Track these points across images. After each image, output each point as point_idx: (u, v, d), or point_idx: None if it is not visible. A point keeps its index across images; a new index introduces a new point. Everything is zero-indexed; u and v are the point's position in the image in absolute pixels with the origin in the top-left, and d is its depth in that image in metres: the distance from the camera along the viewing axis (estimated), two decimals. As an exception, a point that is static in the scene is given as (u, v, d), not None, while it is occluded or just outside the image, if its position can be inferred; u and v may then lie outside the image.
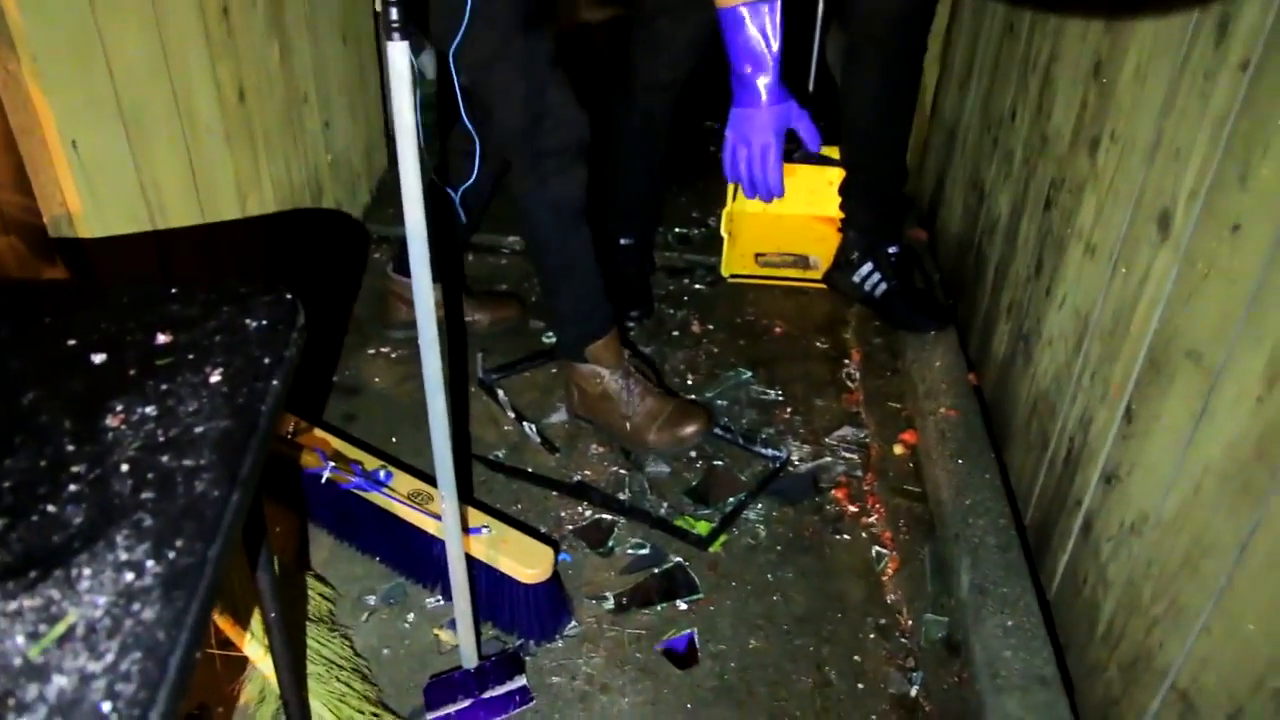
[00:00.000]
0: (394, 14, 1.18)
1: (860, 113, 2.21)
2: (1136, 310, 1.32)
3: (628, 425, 1.99)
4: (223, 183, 1.93)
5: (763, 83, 1.40)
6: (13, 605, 0.61)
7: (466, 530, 1.57)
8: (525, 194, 1.83)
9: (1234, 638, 1.04)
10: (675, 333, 2.38)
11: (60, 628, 0.60)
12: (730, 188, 2.47)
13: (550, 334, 2.35)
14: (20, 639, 0.59)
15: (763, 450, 2.04)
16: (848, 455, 2.05)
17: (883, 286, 2.29)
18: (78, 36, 1.47)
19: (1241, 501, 1.04)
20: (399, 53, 1.17)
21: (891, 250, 2.28)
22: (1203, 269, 1.15)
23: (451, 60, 1.67)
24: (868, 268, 2.30)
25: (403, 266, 2.21)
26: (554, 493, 1.94)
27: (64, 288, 1.07)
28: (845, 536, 1.88)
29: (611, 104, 2.24)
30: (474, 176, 1.97)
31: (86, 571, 0.63)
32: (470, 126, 1.82)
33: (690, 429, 1.99)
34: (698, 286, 2.55)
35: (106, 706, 0.55)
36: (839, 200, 2.37)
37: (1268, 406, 1.00)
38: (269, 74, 2.08)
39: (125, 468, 0.71)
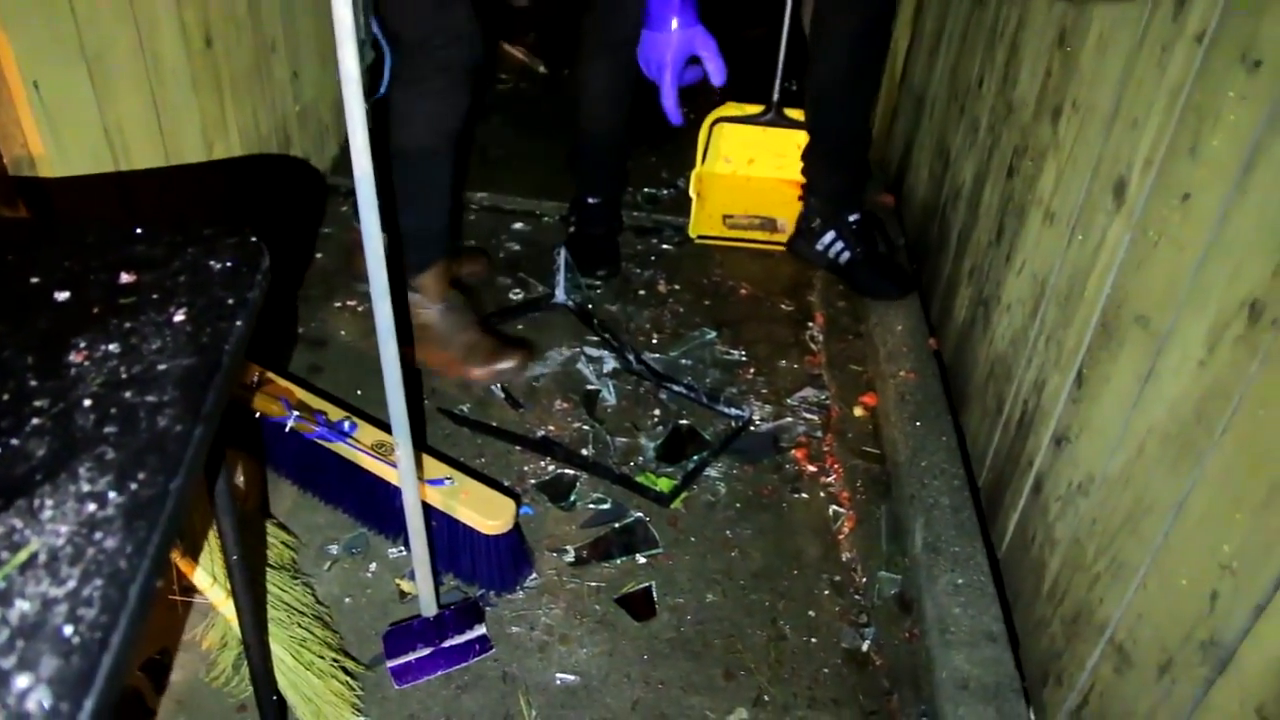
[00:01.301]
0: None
1: (826, 79, 2.22)
2: (1091, 276, 1.35)
3: (445, 355, 2.04)
4: (188, 129, 1.91)
5: (671, 6, 1.44)
6: (-25, 533, 0.62)
7: (428, 481, 1.59)
8: (404, 103, 1.81)
9: (1168, 593, 1.08)
10: (641, 292, 2.40)
11: (22, 555, 0.61)
12: (699, 148, 2.48)
13: (518, 290, 2.36)
14: (-17, 565, 0.60)
15: (725, 409, 2.06)
16: (808, 416, 2.08)
17: (846, 254, 2.31)
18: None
19: (1181, 461, 1.07)
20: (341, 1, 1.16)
21: (853, 218, 2.30)
22: (1153, 236, 1.18)
23: None
24: (830, 235, 2.32)
25: None
26: (517, 447, 1.96)
27: (27, 225, 1.07)
28: (803, 495, 1.91)
29: (577, 62, 2.24)
30: (382, 89, 1.91)
31: (49, 502, 0.64)
32: (381, 37, 1.78)
33: (508, 364, 2.05)
34: (665, 247, 2.56)
35: (69, 630, 0.57)
36: (801, 166, 2.39)
37: (1208, 370, 1.03)
38: (236, 21, 2.06)
39: (88, 403, 0.72)
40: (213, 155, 2.00)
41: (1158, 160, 1.19)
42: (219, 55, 1.99)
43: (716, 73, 1.49)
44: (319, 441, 1.67)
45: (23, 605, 0.58)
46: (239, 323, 0.81)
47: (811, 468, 1.96)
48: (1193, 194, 1.10)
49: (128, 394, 0.73)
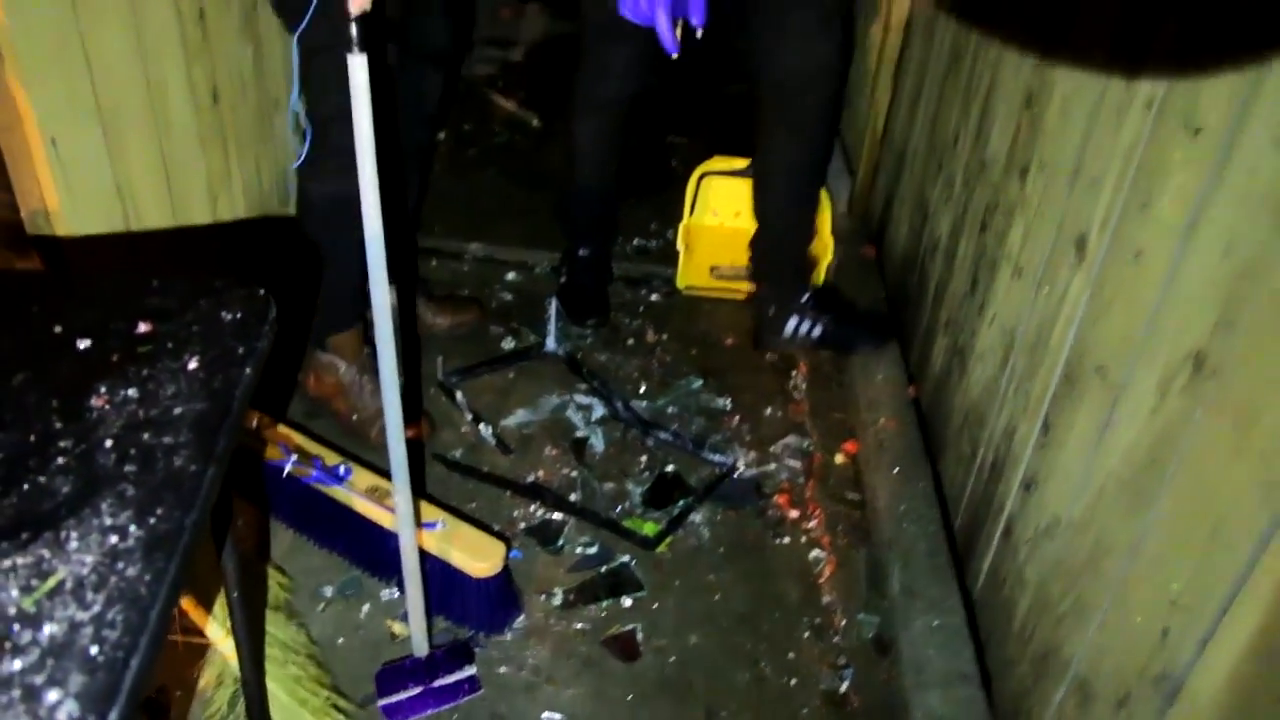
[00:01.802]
0: (354, 29, 1.25)
1: (770, 177, 2.27)
2: (1055, 328, 1.42)
3: (354, 418, 2.08)
4: (194, 182, 1.98)
5: None
6: (7, 563, 0.67)
7: (421, 525, 1.64)
8: (306, 180, 1.87)
9: (1125, 630, 1.13)
10: (630, 341, 2.46)
11: (51, 582, 0.66)
12: (687, 201, 2.56)
13: (510, 339, 2.42)
14: (15, 592, 0.65)
15: (710, 456, 2.12)
16: (791, 463, 2.14)
17: (817, 328, 2.32)
18: (59, 37, 1.53)
19: (1136, 504, 1.13)
20: (359, 66, 1.24)
21: (805, 297, 2.32)
22: (1110, 291, 1.25)
23: (295, 41, 1.67)
24: (793, 320, 2.32)
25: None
26: (508, 492, 2.01)
27: (51, 279, 1.13)
28: (785, 540, 1.96)
29: (567, 118, 2.32)
30: (301, 155, 1.86)
31: (75, 534, 0.70)
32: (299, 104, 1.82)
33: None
34: (654, 297, 2.64)
35: (94, 650, 0.62)
36: (749, 254, 2.43)
37: (1159, 417, 1.09)
38: (243, 78, 2.14)
39: (109, 444, 0.78)
40: (217, 208, 2.07)
41: (1114, 218, 1.27)
42: (225, 111, 2.07)
43: (695, 11, 1.59)
44: (315, 485, 1.72)
45: (52, 627, 0.63)
46: (248, 370, 0.88)
47: (793, 513, 2.02)
48: (1144, 251, 1.17)
49: (146, 436, 0.79)
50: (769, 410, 2.28)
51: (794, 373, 2.40)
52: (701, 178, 2.54)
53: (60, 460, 0.76)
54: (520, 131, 3.45)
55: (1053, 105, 1.53)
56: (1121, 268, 1.23)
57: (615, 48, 2.15)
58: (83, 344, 0.88)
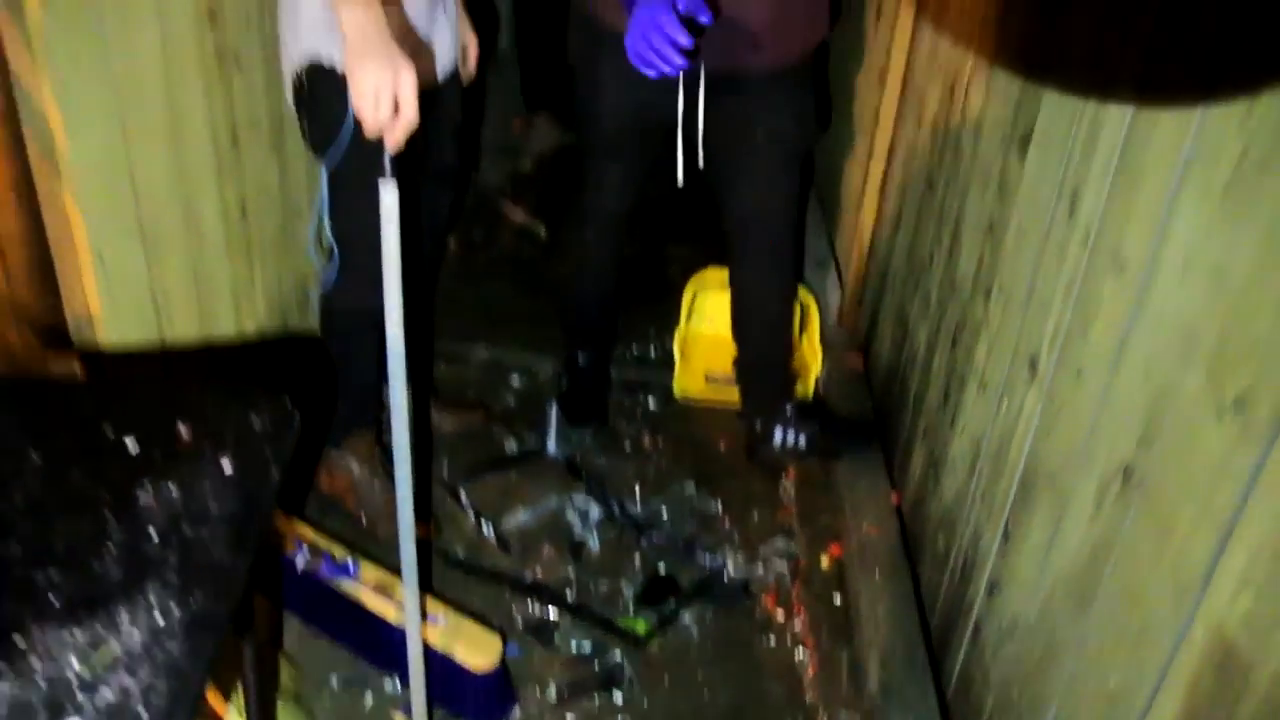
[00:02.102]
0: (388, 159, 1.39)
1: (743, 302, 2.42)
2: (1014, 439, 1.54)
3: (364, 514, 2.19)
4: (220, 289, 2.13)
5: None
6: (68, 635, 0.78)
7: (424, 619, 1.73)
8: (331, 294, 2.01)
9: (1073, 722, 1.22)
10: (628, 446, 2.58)
11: (106, 655, 0.77)
12: (683, 310, 2.70)
13: (512, 441, 2.54)
14: (75, 660, 0.76)
15: (701, 558, 2.22)
16: (779, 565, 2.23)
17: (803, 439, 2.44)
18: (111, 161, 1.69)
19: (1080, 605, 1.23)
20: (389, 191, 1.38)
21: (788, 408, 2.45)
22: (1058, 406, 1.37)
23: (325, 174, 1.81)
24: (778, 432, 2.45)
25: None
26: (507, 590, 2.11)
27: (103, 386, 1.25)
28: (772, 640, 2.05)
29: (569, 229, 2.47)
30: (327, 272, 2.01)
31: (125, 614, 0.81)
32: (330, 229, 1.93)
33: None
34: (651, 403, 2.76)
35: (144, 714, 0.73)
36: (734, 371, 2.56)
37: (1097, 524, 1.20)
38: (268, 193, 2.31)
39: (154, 535, 0.89)
40: (240, 314, 2.22)
41: (1060, 340, 1.39)
42: (251, 224, 2.23)
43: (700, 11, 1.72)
44: (324, 579, 1.82)
45: (106, 693, 0.74)
46: (275, 472, 0.99)
47: (780, 613, 2.10)
48: (1084, 370, 1.30)
49: (186, 529, 0.90)
50: (758, 514, 2.38)
51: (784, 477, 2.50)
52: (697, 288, 2.69)
53: (113, 550, 0.87)
54: (528, 240, 3.62)
55: (1010, 233, 1.68)
56: (1067, 385, 1.35)
57: (612, 165, 2.31)
58: (130, 444, 1.01)
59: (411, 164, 2.05)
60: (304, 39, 1.76)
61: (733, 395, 2.73)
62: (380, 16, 1.45)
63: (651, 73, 1.77)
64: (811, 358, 2.66)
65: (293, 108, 1.87)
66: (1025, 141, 1.62)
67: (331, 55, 1.73)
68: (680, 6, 1.76)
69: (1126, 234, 1.22)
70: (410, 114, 1.42)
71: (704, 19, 1.74)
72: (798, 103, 2.24)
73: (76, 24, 1.57)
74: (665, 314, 3.09)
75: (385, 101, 1.39)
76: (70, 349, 1.68)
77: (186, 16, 1.85)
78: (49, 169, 1.56)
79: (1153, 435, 1.10)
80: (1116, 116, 1.28)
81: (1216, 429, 0.98)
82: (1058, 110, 1.49)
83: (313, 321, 2.57)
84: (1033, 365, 1.49)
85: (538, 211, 3.75)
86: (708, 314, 2.73)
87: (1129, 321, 1.19)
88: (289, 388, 2.48)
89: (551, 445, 2.50)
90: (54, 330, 1.67)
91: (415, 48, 1.85)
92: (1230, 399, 0.96)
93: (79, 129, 1.59)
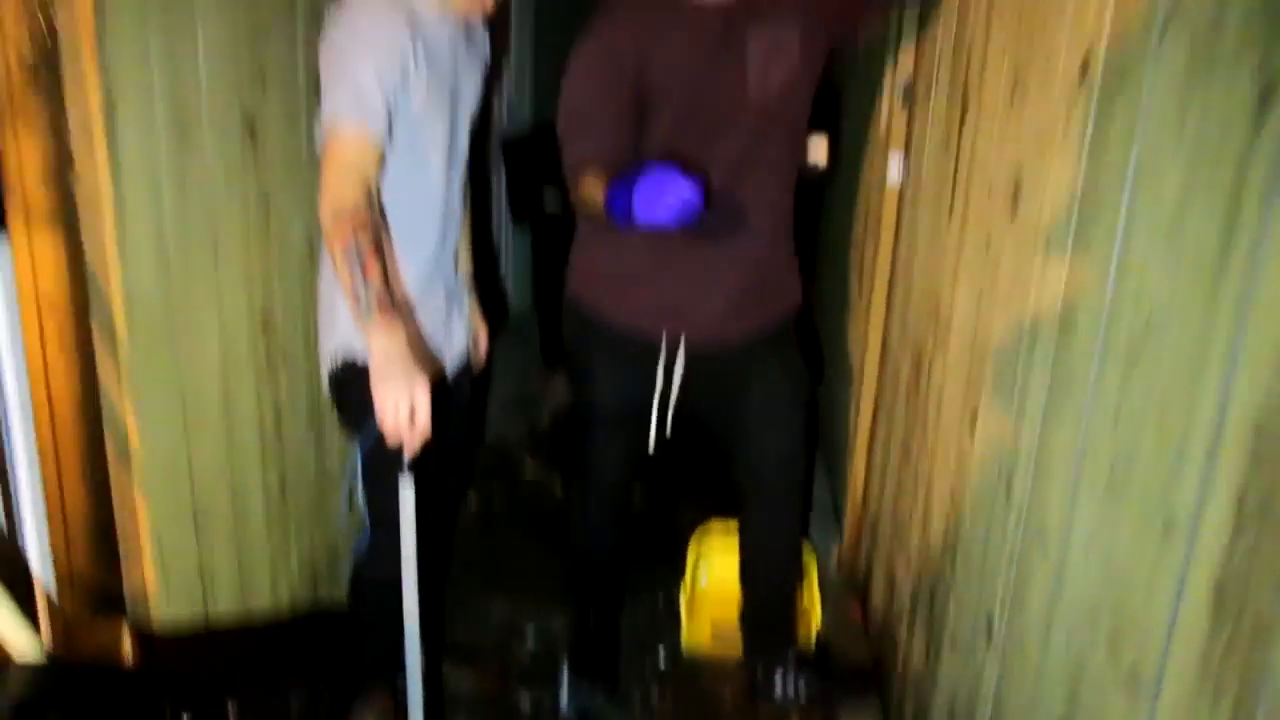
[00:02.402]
0: (405, 458, 1.61)
1: (752, 551, 2.58)
2: (978, 698, 1.68)
3: None
4: (260, 563, 2.33)
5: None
6: None
7: None
8: (362, 564, 2.15)
9: None
10: (637, 699, 2.68)
11: None
12: (689, 564, 2.85)
13: (525, 697, 2.65)
14: None
15: (707, 812, 2.29)
16: (783, 818, 2.30)
17: (802, 683, 2.55)
18: (173, 456, 1.94)
19: None
20: (407, 486, 1.59)
21: (790, 659, 2.56)
22: (1010, 665, 1.53)
23: (360, 458, 1.95)
24: (778, 676, 2.56)
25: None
26: None
27: (154, 672, 1.44)
28: None
29: (571, 488, 2.64)
30: (363, 550, 2.14)
31: None
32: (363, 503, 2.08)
33: None
34: (660, 656, 2.87)
35: None
36: (738, 622, 2.68)
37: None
38: (305, 470, 2.55)
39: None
40: (276, 584, 2.40)
41: (1007, 608, 1.56)
42: (289, 500, 2.46)
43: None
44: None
45: None
46: (312, 748, 1.16)
47: None
48: (1025, 639, 1.46)
49: (237, 802, 1.07)
50: (763, 765, 2.46)
51: (787, 726, 2.59)
52: (702, 540, 2.85)
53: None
54: (544, 494, 3.81)
55: (966, 503, 1.87)
56: (1020, 644, 1.52)
57: (608, 440, 2.51)
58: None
59: (429, 455, 2.29)
60: (339, 337, 2.02)
61: (738, 646, 2.84)
62: (402, 340, 1.69)
63: (668, 216, 1.65)
64: (811, 607, 2.80)
65: (330, 394, 2.13)
66: (974, 419, 1.84)
67: (364, 354, 2.00)
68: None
69: (1047, 517, 1.42)
70: (424, 424, 1.65)
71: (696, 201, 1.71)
72: (788, 359, 2.43)
73: (154, 344, 1.86)
74: (671, 569, 3.23)
75: (404, 414, 1.63)
76: (120, 614, 1.86)
77: (244, 327, 2.15)
78: (123, 467, 1.80)
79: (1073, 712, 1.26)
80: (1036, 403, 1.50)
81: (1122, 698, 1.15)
82: (994, 391, 1.72)
83: (341, 586, 2.75)
84: (989, 627, 1.65)
85: (553, 466, 3.95)
86: (713, 565, 2.87)
87: (1053, 596, 1.37)
88: (317, 664, 2.65)
89: (563, 703, 2.61)
90: (107, 597, 1.86)
91: (431, 354, 2.12)
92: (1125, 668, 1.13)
93: (149, 431, 1.85)
